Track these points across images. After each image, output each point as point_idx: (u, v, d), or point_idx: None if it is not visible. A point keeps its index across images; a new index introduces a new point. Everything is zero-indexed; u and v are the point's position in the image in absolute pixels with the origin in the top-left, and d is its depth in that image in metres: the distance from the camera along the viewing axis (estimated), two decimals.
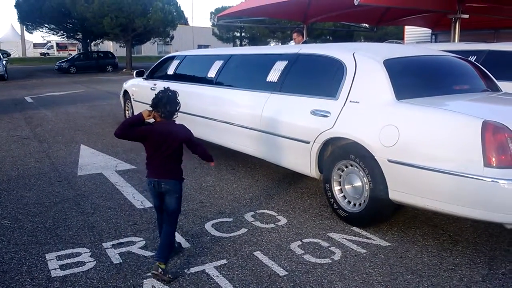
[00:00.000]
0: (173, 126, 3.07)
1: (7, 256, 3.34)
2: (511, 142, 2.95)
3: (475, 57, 5.97)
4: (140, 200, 4.53)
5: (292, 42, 9.42)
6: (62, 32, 36.06)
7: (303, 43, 9.15)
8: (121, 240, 3.59)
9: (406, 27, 18.97)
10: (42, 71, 32.22)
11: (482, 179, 2.94)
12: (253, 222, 3.96)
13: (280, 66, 4.83)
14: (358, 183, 3.80)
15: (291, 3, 11.75)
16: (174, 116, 3.08)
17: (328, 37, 40.68)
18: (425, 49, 4.86)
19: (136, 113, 8.12)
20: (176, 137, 3.04)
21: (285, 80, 4.68)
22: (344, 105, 3.91)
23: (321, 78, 4.34)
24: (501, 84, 4.56)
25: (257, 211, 4.23)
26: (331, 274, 3.04)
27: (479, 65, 4.72)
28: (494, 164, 2.92)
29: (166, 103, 3.01)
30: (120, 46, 37.46)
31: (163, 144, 3.01)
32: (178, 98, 3.09)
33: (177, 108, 3.08)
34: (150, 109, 3.07)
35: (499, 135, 2.96)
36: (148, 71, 7.96)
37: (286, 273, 3.06)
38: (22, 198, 4.63)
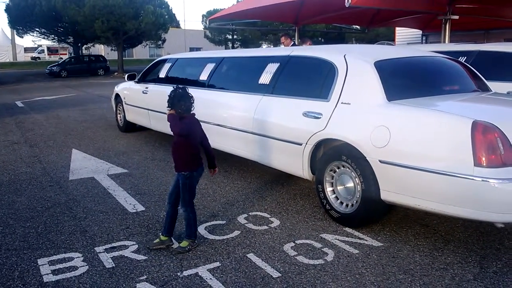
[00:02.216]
0: (194, 118, 3.46)
1: None
2: (501, 141, 2.98)
3: (465, 57, 6.02)
4: (132, 204, 4.51)
5: (281, 46, 9.44)
6: (53, 36, 35.90)
7: (292, 45, 9.18)
8: (113, 244, 3.58)
9: (397, 28, 19.08)
10: (33, 75, 32.04)
11: (472, 179, 2.97)
12: (246, 224, 3.96)
13: (271, 68, 4.84)
14: (350, 184, 3.82)
15: (282, 6, 11.78)
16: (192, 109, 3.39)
17: (319, 39, 40.81)
18: (415, 50, 4.89)
19: (128, 116, 8.11)
20: (198, 127, 3.52)
21: (277, 82, 4.69)
22: (335, 106, 3.93)
23: (312, 80, 4.36)
24: (491, 84, 4.60)
25: (250, 213, 4.23)
26: (324, 275, 3.05)
27: (469, 66, 4.76)
28: (484, 164, 2.95)
29: (180, 99, 3.32)
30: (112, 49, 37.34)
31: (196, 135, 3.47)
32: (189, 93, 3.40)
33: (192, 102, 3.38)
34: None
35: (488, 134, 2.99)
36: (140, 75, 7.95)
37: (280, 274, 3.07)
38: (14, 203, 4.60)
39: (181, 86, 3.40)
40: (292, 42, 9.78)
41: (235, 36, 45.92)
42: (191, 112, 3.40)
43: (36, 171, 5.85)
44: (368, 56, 4.07)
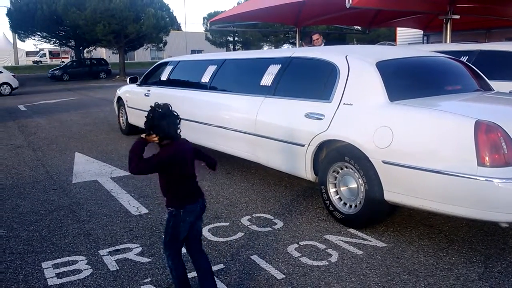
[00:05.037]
0: (184, 143, 2.64)
1: (3, 265, 3.32)
2: (504, 141, 2.97)
3: (467, 57, 6.01)
4: (135, 207, 4.52)
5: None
6: (54, 39, 35.95)
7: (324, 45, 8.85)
8: (117, 247, 3.58)
9: (398, 28, 19.06)
10: (35, 79, 32.08)
11: (476, 178, 2.96)
12: (249, 226, 3.96)
13: (273, 70, 4.85)
14: (353, 185, 3.82)
15: (283, 7, 11.78)
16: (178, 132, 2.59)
17: None
18: (417, 51, 4.89)
19: (130, 119, 8.12)
20: (190, 153, 2.64)
21: (278, 83, 4.69)
22: (338, 107, 3.93)
23: (314, 81, 4.36)
24: (492, 83, 4.60)
25: (254, 215, 4.23)
26: (328, 276, 3.04)
27: (471, 65, 4.75)
28: (488, 163, 2.95)
29: (162, 121, 2.51)
30: (113, 52, 37.41)
31: (186, 164, 2.61)
32: (172, 108, 2.61)
33: (177, 122, 2.57)
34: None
35: (492, 134, 2.98)
36: (142, 77, 7.96)
37: (284, 276, 3.06)
38: (17, 207, 4.61)
39: (162, 103, 2.63)
40: (323, 44, 9.17)
41: (236, 38, 45.95)
42: (181, 138, 2.63)
43: (40, 175, 5.86)
44: (369, 57, 4.07)
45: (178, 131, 2.56)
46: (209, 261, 2.71)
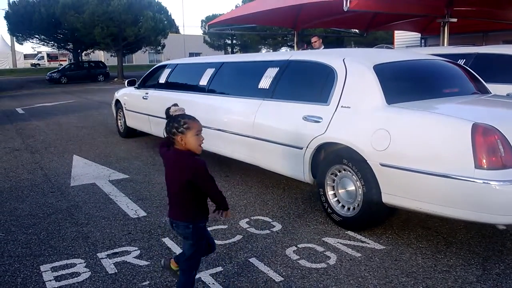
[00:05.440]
0: (182, 157, 2.51)
1: (1, 268, 3.32)
2: (501, 143, 2.99)
3: (464, 60, 6.04)
4: (134, 210, 4.52)
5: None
6: (52, 42, 36.01)
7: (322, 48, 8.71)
8: (115, 250, 3.58)
9: (395, 31, 19.14)
10: (33, 82, 32.08)
11: (473, 181, 2.97)
12: (248, 229, 3.96)
13: (271, 73, 4.86)
14: (351, 187, 3.82)
15: (281, 10, 11.81)
16: (173, 138, 2.50)
17: None
18: (414, 54, 4.91)
19: (128, 122, 8.12)
20: (181, 172, 2.51)
21: (276, 86, 4.70)
22: (335, 110, 3.94)
23: (312, 84, 4.37)
24: (490, 86, 4.62)
25: (252, 218, 4.23)
26: (327, 279, 3.05)
27: (468, 68, 4.78)
28: (485, 166, 2.96)
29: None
30: (111, 55, 37.43)
31: (170, 176, 2.58)
32: (171, 111, 2.57)
33: (169, 126, 2.50)
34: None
35: (489, 137, 3.00)
36: (140, 80, 7.97)
37: (282, 279, 3.07)
38: (15, 210, 4.60)
39: (178, 106, 2.69)
40: (323, 46, 9.08)
41: (234, 41, 46.04)
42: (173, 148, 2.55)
43: (38, 178, 5.85)
44: (367, 60, 4.09)
45: (173, 138, 2.51)
46: (180, 281, 2.66)
